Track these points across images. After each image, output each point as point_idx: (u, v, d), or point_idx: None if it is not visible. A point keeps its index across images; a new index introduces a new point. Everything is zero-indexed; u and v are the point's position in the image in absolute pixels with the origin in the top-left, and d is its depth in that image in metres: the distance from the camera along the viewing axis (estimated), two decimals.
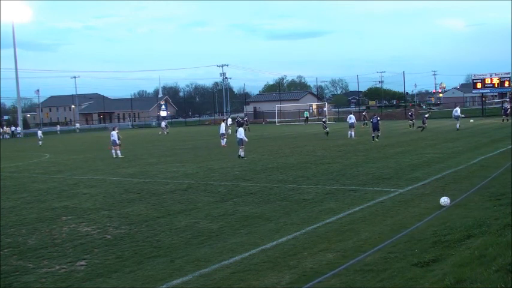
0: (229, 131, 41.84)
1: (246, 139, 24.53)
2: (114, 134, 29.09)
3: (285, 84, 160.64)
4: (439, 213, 10.59)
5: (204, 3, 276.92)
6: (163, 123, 59.28)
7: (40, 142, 46.98)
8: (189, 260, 8.40)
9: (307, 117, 69.97)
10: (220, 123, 34.84)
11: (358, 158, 22.19)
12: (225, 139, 32.92)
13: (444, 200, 11.25)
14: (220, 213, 11.92)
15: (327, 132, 37.65)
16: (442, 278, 5.74)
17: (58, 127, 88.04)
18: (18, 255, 9.28)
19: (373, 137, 30.82)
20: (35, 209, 13.70)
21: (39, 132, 49.73)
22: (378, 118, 32.25)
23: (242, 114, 62.49)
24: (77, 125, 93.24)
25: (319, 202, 12.71)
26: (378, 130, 31.08)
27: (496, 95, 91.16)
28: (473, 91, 66.60)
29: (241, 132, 24.35)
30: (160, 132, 55.53)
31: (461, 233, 8.18)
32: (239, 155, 24.12)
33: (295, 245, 8.91)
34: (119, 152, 28.81)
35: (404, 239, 8.68)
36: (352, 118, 35.53)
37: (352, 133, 34.55)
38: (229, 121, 52.17)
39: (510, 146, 22.88)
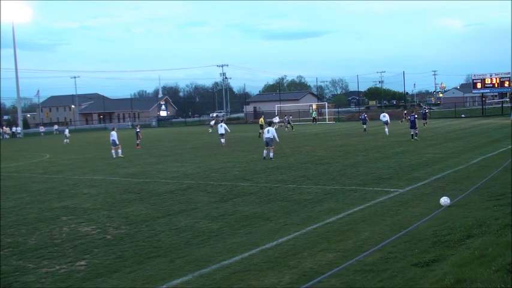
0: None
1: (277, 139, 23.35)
2: (114, 134, 29.17)
3: (285, 84, 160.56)
4: (439, 213, 10.59)
5: (200, 3, 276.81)
6: (212, 122, 59.37)
7: (66, 140, 47.22)
8: (189, 260, 8.40)
9: (314, 117, 69.75)
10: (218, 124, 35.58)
11: (358, 158, 22.19)
12: (223, 138, 33.32)
13: (444, 200, 11.25)
14: (220, 213, 11.92)
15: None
16: (442, 278, 5.74)
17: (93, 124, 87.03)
18: (18, 255, 9.28)
19: (412, 135, 30.47)
20: (35, 209, 13.70)
21: (66, 131, 50.01)
22: (415, 116, 31.31)
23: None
24: (41, 129, 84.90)
25: (319, 202, 12.71)
26: (415, 128, 30.35)
27: (496, 95, 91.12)
28: (473, 91, 66.47)
29: (272, 132, 22.87)
30: (210, 130, 55.65)
31: (461, 233, 8.18)
32: (267, 157, 22.80)
33: (295, 245, 8.90)
34: (119, 151, 28.89)
35: (404, 239, 8.68)
36: (386, 116, 37.53)
37: (386, 130, 36.08)
38: (276, 119, 53.94)
39: (510, 146, 22.88)
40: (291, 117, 56.19)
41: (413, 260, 7.11)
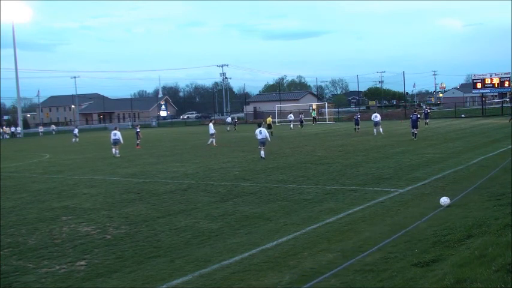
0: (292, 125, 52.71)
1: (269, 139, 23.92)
2: (118, 134, 29.34)
3: (285, 84, 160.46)
4: (439, 213, 10.59)
5: (200, 3, 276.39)
6: (228, 119, 59.20)
7: (74, 139, 47.53)
8: (189, 260, 8.40)
9: (314, 117, 69.77)
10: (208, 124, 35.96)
11: (358, 158, 22.19)
12: (213, 139, 33.61)
13: (444, 200, 11.24)
14: (220, 213, 11.92)
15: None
16: (442, 278, 5.74)
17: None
18: (18, 255, 9.28)
19: (413, 133, 30.65)
20: (35, 209, 13.70)
21: (76, 130, 50.39)
22: (418, 116, 31.52)
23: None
24: (40, 129, 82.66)
25: (319, 202, 12.71)
26: (417, 128, 30.64)
27: (496, 95, 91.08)
28: (473, 91, 66.44)
29: (265, 133, 23.69)
30: (228, 129, 55.76)
31: (461, 233, 8.18)
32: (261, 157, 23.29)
33: (295, 245, 8.90)
34: (117, 150, 29.04)
35: (404, 239, 8.68)
36: (377, 116, 37.82)
37: (381, 129, 36.49)
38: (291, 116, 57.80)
39: (510, 146, 22.88)
40: (302, 115, 57.31)
41: (413, 260, 7.11)
